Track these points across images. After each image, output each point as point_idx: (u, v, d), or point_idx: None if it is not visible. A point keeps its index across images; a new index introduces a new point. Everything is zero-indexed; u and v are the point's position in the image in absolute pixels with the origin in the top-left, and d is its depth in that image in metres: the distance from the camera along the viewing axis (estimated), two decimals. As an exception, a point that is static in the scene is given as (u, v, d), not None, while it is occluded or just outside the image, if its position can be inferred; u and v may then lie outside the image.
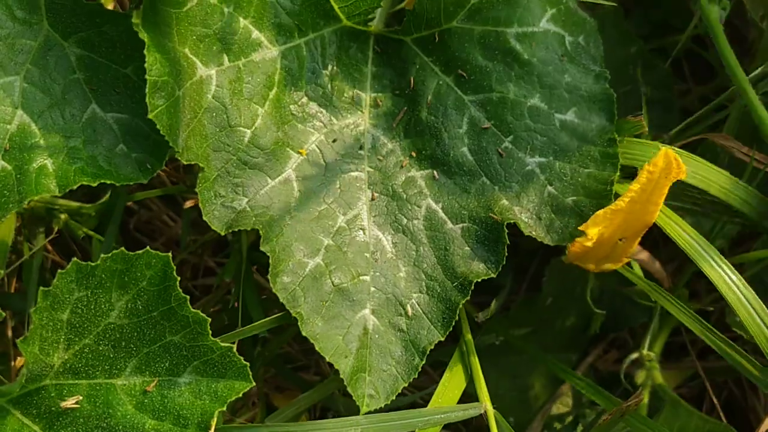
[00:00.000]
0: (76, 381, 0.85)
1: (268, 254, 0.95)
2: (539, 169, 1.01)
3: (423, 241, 1.00)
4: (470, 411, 0.97)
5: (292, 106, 1.00)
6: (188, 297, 0.85)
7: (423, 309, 0.99)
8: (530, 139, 1.02)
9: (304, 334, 0.94)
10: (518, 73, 1.02)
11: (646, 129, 1.03)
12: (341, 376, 0.95)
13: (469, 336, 1.03)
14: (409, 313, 0.98)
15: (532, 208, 1.00)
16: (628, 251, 0.99)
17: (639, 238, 1.00)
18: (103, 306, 0.84)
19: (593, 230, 0.95)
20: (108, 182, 0.93)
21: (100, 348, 0.85)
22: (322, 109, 1.02)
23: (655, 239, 1.18)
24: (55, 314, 0.83)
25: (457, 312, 0.98)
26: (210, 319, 0.85)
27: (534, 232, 1.00)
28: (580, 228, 0.96)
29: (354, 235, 0.99)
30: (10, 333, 1.10)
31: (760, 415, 1.22)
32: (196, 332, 0.85)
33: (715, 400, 1.20)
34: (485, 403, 0.98)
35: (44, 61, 0.96)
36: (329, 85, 1.03)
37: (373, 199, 1.01)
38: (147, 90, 0.88)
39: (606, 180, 1.00)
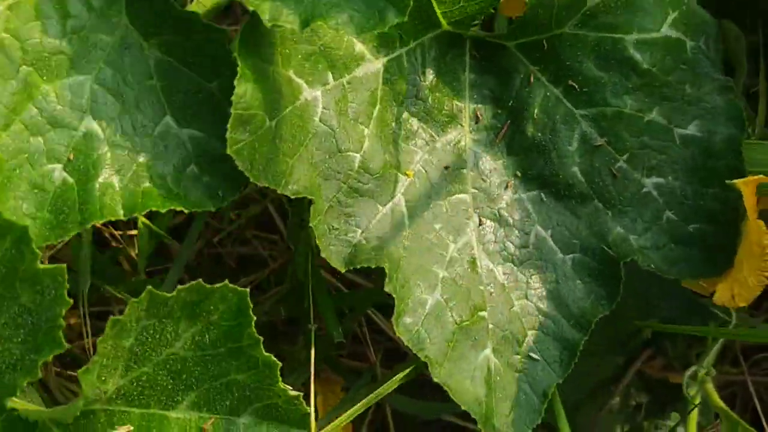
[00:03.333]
0: (129, 408, 0.79)
1: (393, 295, 0.86)
2: (656, 192, 0.93)
3: (533, 273, 0.92)
4: None
5: (394, 124, 0.90)
6: (262, 339, 0.78)
7: (539, 347, 0.91)
8: (647, 157, 0.93)
9: (435, 380, 0.87)
10: (636, 85, 0.93)
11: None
12: (479, 426, 0.88)
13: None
14: (526, 352, 0.91)
15: (650, 236, 0.93)
16: None
17: None
18: (169, 335, 0.78)
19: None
20: (176, 209, 0.84)
21: (159, 378, 0.79)
22: (423, 125, 0.92)
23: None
24: (119, 342, 0.77)
25: (577, 353, 0.91)
26: (280, 364, 0.79)
27: (653, 265, 0.92)
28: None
29: (466, 266, 0.91)
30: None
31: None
32: (265, 375, 0.79)
33: (762, 416, 1.16)
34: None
35: (120, 61, 0.84)
36: (429, 98, 0.92)
37: (480, 224, 0.92)
38: (230, 124, 0.78)
39: (732, 202, 0.92)
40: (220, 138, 0.84)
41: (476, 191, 0.93)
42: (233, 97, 0.78)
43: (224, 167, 0.84)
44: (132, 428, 0.79)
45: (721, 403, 1.06)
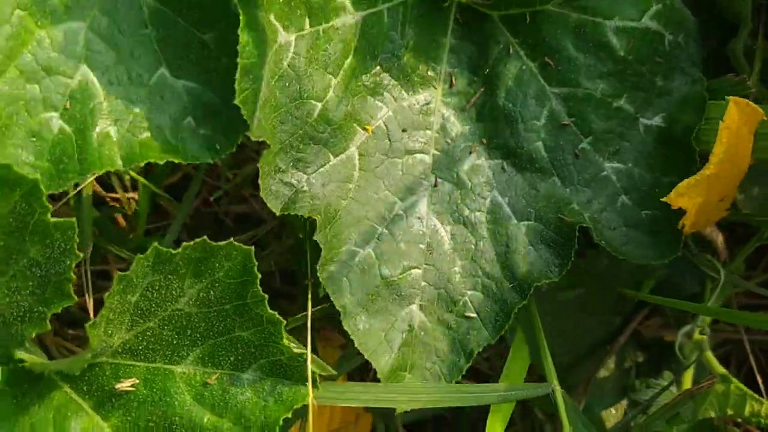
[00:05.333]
0: (134, 362, 0.81)
1: (321, 244, 0.89)
2: (615, 176, 0.95)
3: (484, 236, 0.95)
4: (540, 390, 0.96)
5: (365, 76, 0.93)
6: (266, 297, 0.79)
7: (476, 307, 0.94)
8: (610, 142, 0.95)
9: (344, 327, 0.90)
10: (610, 71, 0.95)
11: (753, 89, 0.94)
12: (378, 375, 0.91)
13: (534, 309, 0.99)
14: (461, 310, 0.94)
15: (604, 216, 0.95)
16: (728, 206, 0.95)
17: (735, 192, 0.95)
18: (174, 291, 0.79)
19: (681, 201, 0.90)
20: (175, 161, 0.84)
21: (164, 333, 0.80)
22: (394, 82, 0.95)
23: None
24: (125, 297, 0.78)
25: (512, 316, 0.94)
26: (285, 322, 0.80)
27: (603, 242, 0.95)
28: (664, 199, 0.90)
29: (410, 224, 0.94)
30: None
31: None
32: (269, 332, 0.80)
33: (758, 377, 1.16)
34: (554, 383, 0.96)
35: (114, 8, 0.84)
36: (405, 56, 0.95)
37: (435, 186, 0.95)
38: (237, 74, 0.79)
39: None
40: (215, 90, 0.86)
41: (438, 153, 0.96)
42: (238, 47, 0.78)
43: (221, 119, 0.86)
44: (138, 381, 0.82)
45: (716, 362, 1.08)
